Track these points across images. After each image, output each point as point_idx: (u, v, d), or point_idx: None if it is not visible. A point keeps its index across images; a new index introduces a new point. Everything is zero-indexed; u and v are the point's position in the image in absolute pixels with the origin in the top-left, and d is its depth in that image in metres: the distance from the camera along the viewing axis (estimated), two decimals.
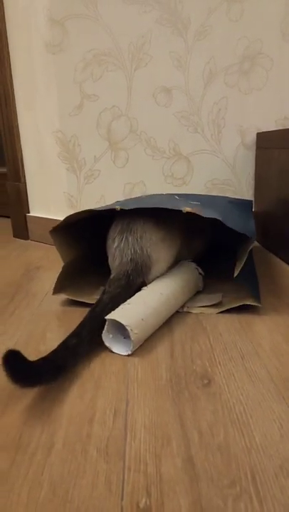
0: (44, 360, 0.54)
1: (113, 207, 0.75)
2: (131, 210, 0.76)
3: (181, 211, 0.72)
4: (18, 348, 0.56)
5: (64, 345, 0.58)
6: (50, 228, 0.80)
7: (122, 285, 0.70)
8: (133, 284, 0.72)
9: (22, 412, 0.50)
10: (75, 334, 0.60)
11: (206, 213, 0.71)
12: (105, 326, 0.64)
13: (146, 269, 0.73)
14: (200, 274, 0.80)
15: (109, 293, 0.69)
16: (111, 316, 0.62)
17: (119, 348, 0.62)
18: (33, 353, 0.63)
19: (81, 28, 1.09)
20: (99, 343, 0.64)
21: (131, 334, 0.60)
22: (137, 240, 0.74)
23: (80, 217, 0.80)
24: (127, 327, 0.60)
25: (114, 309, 0.65)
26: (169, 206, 0.72)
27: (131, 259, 0.73)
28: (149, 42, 1.11)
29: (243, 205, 0.96)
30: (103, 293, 0.69)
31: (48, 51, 1.12)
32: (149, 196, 0.91)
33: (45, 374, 0.53)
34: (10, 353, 0.50)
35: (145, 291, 0.71)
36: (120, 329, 0.63)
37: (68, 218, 0.79)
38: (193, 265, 0.81)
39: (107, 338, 0.64)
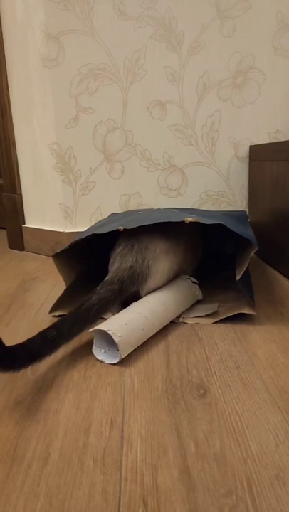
0: (20, 345, 0.55)
1: (116, 228, 0.75)
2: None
3: (182, 227, 0.73)
4: None
5: (42, 335, 0.58)
6: (46, 239, 0.80)
7: (114, 290, 0.70)
8: (125, 291, 0.72)
9: (17, 422, 0.49)
10: (55, 327, 0.61)
11: (208, 221, 0.73)
12: (94, 341, 0.65)
13: (142, 279, 0.73)
14: (193, 282, 0.81)
15: (99, 294, 0.68)
16: (93, 329, 0.63)
17: (112, 359, 0.63)
18: None
19: (77, 43, 1.11)
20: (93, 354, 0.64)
21: (114, 337, 0.60)
22: (142, 250, 0.74)
23: (83, 240, 0.81)
24: (108, 331, 0.61)
25: (100, 311, 0.66)
26: (171, 219, 0.73)
27: (130, 266, 0.73)
28: (144, 57, 1.13)
29: (238, 216, 0.97)
30: (93, 293, 0.69)
31: (45, 65, 1.14)
32: (148, 211, 0.92)
33: (18, 359, 0.53)
34: None
35: (132, 304, 0.72)
36: (111, 342, 0.64)
37: (72, 243, 0.79)
38: (185, 276, 0.82)
39: (100, 353, 0.64)
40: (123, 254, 0.75)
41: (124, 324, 0.64)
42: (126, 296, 0.72)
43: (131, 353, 0.64)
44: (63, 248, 0.79)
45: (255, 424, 0.47)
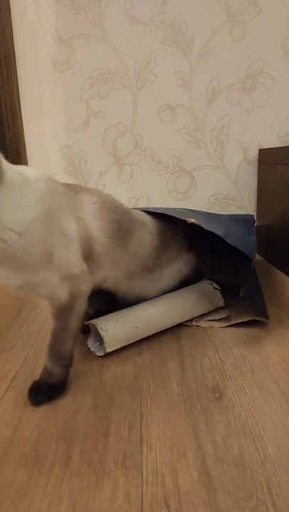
0: None
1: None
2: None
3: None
4: (28, 361, 0.57)
5: None
6: None
7: None
8: None
9: (36, 425, 0.50)
10: None
11: (210, 227, 0.73)
12: (91, 333, 0.70)
13: None
14: (215, 288, 0.80)
15: None
16: (87, 322, 0.69)
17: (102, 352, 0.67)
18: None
19: (88, 47, 1.12)
20: (110, 359, 0.65)
21: (100, 332, 0.65)
22: None
23: None
24: (96, 325, 0.66)
25: None
26: (176, 215, 0.75)
27: None
28: (154, 61, 1.14)
29: (244, 220, 0.97)
30: None
31: (56, 69, 1.14)
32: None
33: None
34: None
35: (136, 305, 0.74)
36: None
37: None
38: (208, 281, 0.81)
39: (94, 344, 0.68)
40: None
41: (115, 321, 0.68)
42: None
43: (145, 356, 0.65)
44: None
45: (272, 428, 0.48)
